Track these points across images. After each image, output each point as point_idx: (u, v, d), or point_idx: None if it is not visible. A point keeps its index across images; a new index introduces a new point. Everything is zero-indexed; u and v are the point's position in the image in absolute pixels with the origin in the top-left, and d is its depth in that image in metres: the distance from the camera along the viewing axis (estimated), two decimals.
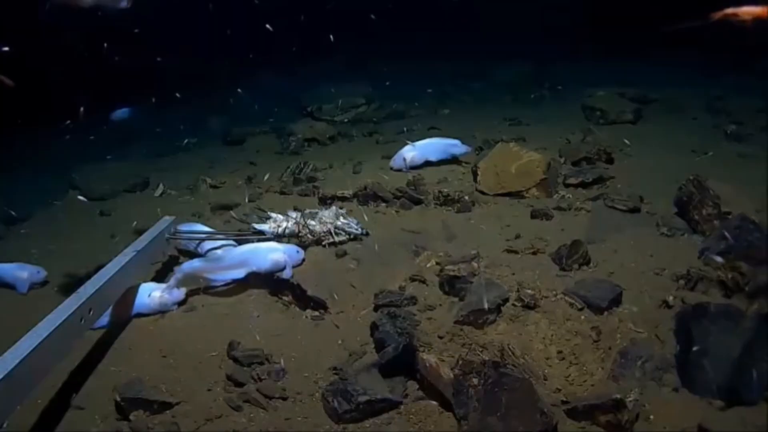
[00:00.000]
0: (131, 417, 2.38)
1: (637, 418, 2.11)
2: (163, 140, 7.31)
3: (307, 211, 3.63)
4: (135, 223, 4.35)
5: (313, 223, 3.48)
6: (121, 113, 6.74)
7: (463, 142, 4.91)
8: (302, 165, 5.25)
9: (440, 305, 2.82)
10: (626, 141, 5.02)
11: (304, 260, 3.32)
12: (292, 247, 3.30)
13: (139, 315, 3.06)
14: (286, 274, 3.13)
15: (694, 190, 3.35)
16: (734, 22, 3.69)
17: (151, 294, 3.08)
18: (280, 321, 2.96)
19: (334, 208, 3.64)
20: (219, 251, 3.44)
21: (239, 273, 3.19)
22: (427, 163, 4.84)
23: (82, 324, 2.49)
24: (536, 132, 5.72)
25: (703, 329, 2.29)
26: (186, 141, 7.13)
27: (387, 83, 8.17)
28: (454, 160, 4.86)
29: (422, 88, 8.66)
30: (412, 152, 4.82)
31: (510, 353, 2.37)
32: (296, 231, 3.47)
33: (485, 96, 8.11)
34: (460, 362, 2.23)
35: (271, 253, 3.21)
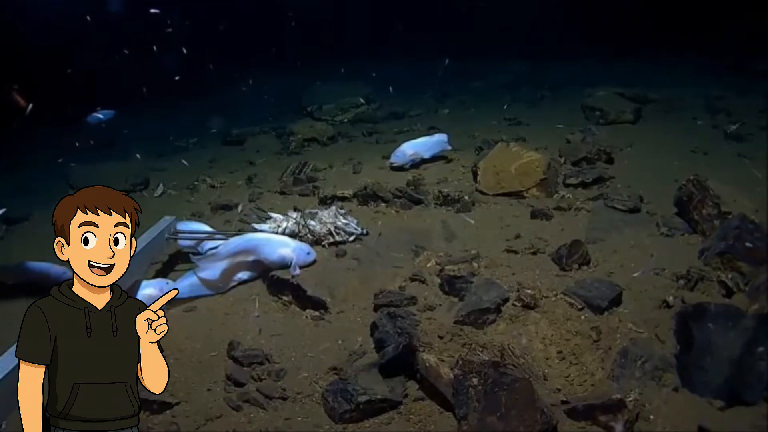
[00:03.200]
0: None
1: (637, 418, 2.11)
2: (163, 140, 7.32)
3: (307, 211, 3.63)
4: None
5: (312, 223, 3.48)
6: (98, 116, 6.66)
7: (448, 140, 5.07)
8: (302, 165, 5.26)
9: (440, 305, 2.82)
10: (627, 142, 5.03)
11: (315, 261, 3.26)
12: (303, 247, 3.25)
13: None
14: (293, 271, 3.10)
15: (694, 190, 3.35)
16: None
17: (143, 292, 3.08)
18: (280, 321, 2.96)
19: (333, 207, 3.64)
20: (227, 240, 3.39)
21: (249, 259, 3.21)
22: (423, 161, 4.94)
23: None
24: (536, 132, 5.72)
25: (703, 329, 2.29)
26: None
27: (387, 85, 8.18)
28: (444, 156, 5.00)
29: (422, 88, 8.66)
30: (412, 149, 4.92)
31: (510, 353, 2.36)
32: (296, 231, 3.47)
33: (485, 96, 8.11)
34: (460, 362, 2.22)
35: (280, 247, 3.19)
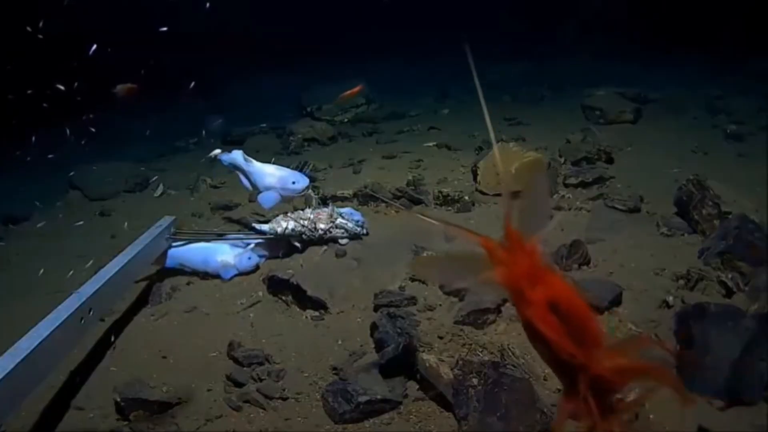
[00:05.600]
0: (131, 417, 2.37)
1: (636, 417, 2.11)
2: (163, 140, 7.31)
3: (307, 210, 3.62)
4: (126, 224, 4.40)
5: (309, 218, 3.49)
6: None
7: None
8: (302, 165, 5.25)
9: (440, 305, 2.81)
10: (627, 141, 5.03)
11: (257, 267, 3.40)
12: (244, 254, 3.39)
13: None
14: (225, 274, 3.34)
15: (694, 190, 3.35)
16: None
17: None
18: (280, 321, 2.96)
19: (331, 206, 3.64)
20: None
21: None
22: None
23: (82, 324, 2.48)
24: (536, 132, 5.72)
25: (703, 329, 2.29)
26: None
27: (387, 84, 8.17)
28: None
29: (422, 88, 8.65)
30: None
31: (510, 353, 2.36)
32: (298, 230, 3.47)
33: (485, 95, 8.11)
34: (460, 362, 2.22)
35: (220, 255, 3.37)
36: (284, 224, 3.49)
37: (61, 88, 5.32)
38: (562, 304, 1.07)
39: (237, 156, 3.72)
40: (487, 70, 9.27)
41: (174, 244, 3.51)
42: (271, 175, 3.62)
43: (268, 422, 2.31)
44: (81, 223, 4.78)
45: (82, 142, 6.23)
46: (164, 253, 3.46)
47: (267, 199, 3.62)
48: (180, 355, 2.75)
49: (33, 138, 6.01)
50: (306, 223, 3.48)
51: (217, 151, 3.86)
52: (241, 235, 3.64)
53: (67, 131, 6.04)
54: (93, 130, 6.29)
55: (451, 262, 1.27)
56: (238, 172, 3.77)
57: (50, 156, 6.05)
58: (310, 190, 3.71)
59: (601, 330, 1.12)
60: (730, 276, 2.67)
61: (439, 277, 1.27)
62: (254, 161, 3.70)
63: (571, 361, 1.08)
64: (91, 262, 3.74)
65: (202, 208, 4.68)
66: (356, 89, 6.68)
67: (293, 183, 3.58)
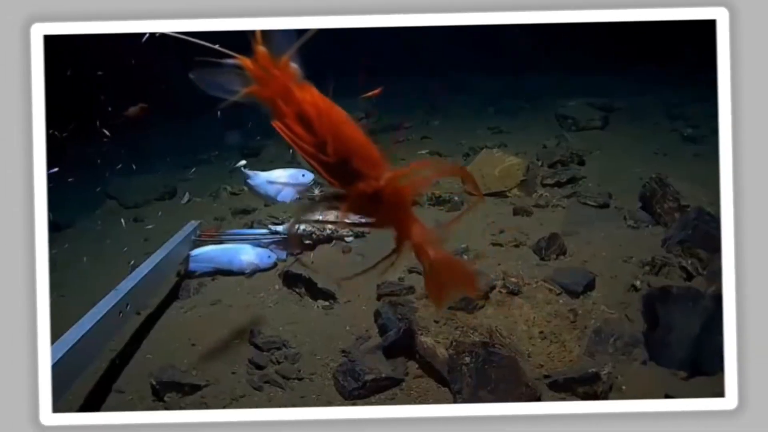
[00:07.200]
0: (165, 398, 2.38)
1: (610, 388, 2.12)
2: (187, 154, 7.29)
3: (315, 213, 3.63)
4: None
5: (318, 219, 3.49)
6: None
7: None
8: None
9: None
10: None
11: (276, 264, 3.38)
12: (264, 252, 3.37)
13: None
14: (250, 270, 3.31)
15: (657, 187, 3.36)
16: None
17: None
18: (295, 311, 2.97)
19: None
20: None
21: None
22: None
23: (120, 317, 2.49)
24: (516, 139, 5.72)
25: (667, 309, 2.30)
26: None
27: (379, 99, 8.16)
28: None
29: (412, 102, 8.64)
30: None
31: (497, 334, 2.37)
32: (309, 231, 3.49)
33: (470, 107, 8.10)
34: (454, 343, 2.24)
35: (243, 254, 3.35)
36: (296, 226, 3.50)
37: (107, 133, 5.15)
38: (310, 115, 1.04)
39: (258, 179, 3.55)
40: (473, 84, 9.28)
41: (199, 247, 3.49)
42: (280, 176, 3.61)
43: (286, 400, 2.32)
44: (118, 228, 4.79)
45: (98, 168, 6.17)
46: (188, 256, 3.43)
47: (285, 196, 3.60)
48: (207, 343, 2.75)
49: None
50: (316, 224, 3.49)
51: (243, 162, 3.85)
52: (259, 237, 3.64)
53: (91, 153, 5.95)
54: (132, 164, 6.20)
55: (223, 75, 1.27)
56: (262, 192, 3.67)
57: (70, 180, 5.96)
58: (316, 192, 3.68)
59: (363, 139, 1.07)
60: (689, 262, 2.68)
61: (211, 87, 1.25)
62: (257, 173, 3.59)
63: (329, 169, 1.05)
64: (128, 261, 3.74)
65: (224, 213, 4.68)
66: (376, 91, 6.56)
67: (302, 176, 3.58)
